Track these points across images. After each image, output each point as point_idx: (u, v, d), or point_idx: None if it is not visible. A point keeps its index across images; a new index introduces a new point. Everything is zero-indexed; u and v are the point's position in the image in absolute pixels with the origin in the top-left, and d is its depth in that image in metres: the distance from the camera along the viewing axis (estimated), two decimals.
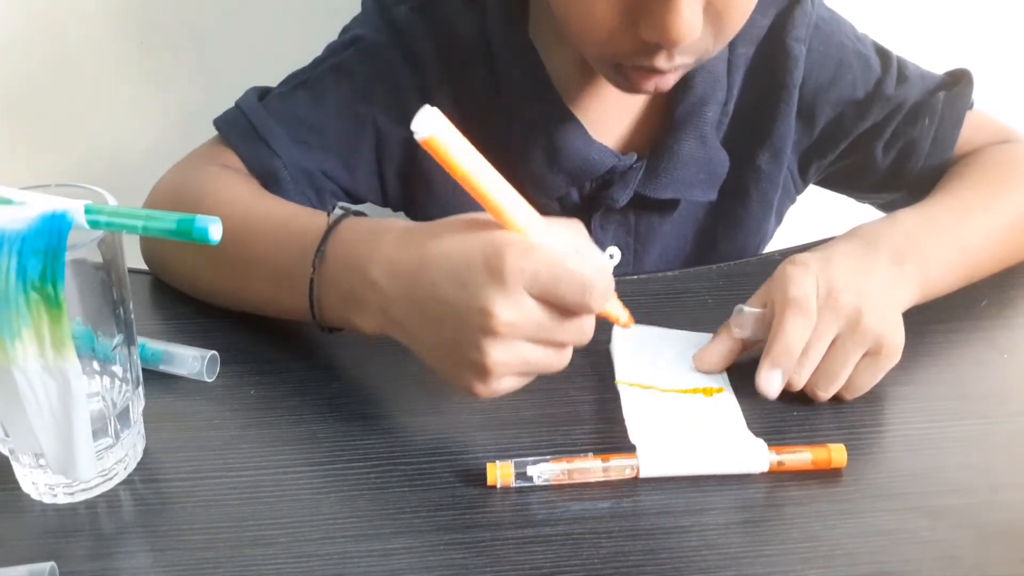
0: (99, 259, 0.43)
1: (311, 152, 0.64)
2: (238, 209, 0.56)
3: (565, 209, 0.67)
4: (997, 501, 0.45)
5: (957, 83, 0.68)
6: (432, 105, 0.45)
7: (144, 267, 0.63)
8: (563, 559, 0.41)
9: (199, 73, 0.95)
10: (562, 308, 0.44)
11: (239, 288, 0.56)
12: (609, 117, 0.67)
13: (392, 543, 0.42)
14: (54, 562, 0.41)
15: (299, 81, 0.66)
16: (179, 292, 0.61)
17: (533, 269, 0.43)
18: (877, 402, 0.51)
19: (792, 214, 0.76)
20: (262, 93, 0.67)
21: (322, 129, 0.64)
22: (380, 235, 0.48)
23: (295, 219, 0.54)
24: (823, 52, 0.66)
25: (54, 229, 0.40)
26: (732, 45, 0.65)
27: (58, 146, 0.98)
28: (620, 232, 0.69)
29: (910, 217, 0.59)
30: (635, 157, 0.65)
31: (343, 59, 0.65)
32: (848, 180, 0.73)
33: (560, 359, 0.46)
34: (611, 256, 0.69)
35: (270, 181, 0.63)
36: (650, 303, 0.60)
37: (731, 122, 0.67)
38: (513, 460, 0.45)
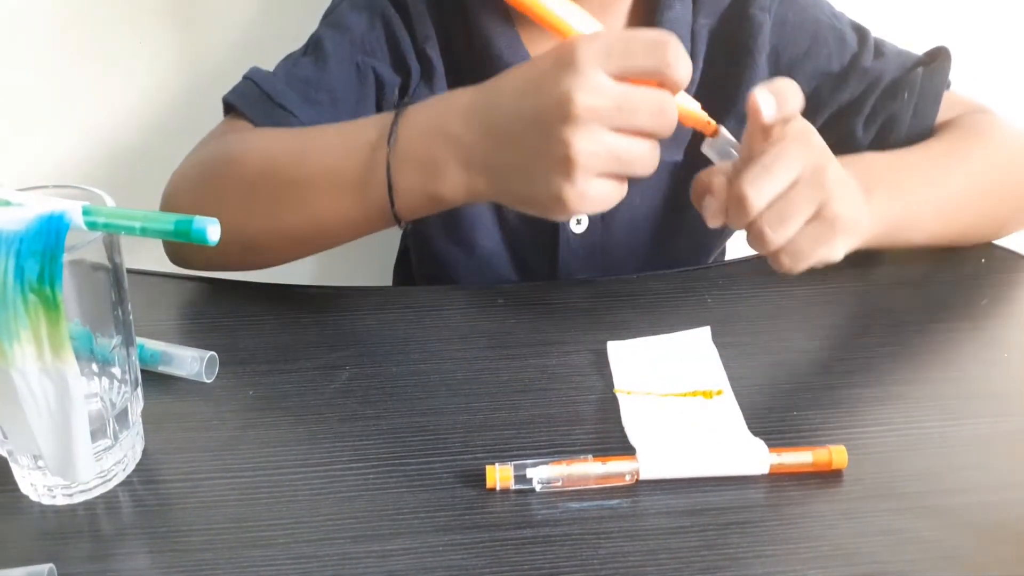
0: (97, 260, 0.43)
1: (324, 110, 0.65)
2: (281, 141, 0.59)
3: None
4: (999, 500, 0.45)
5: (934, 60, 0.68)
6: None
7: (141, 267, 0.62)
8: (562, 560, 0.41)
9: (198, 73, 0.95)
10: (640, 78, 0.45)
11: (295, 213, 0.56)
12: None
13: (390, 544, 0.42)
14: (52, 564, 0.41)
15: (301, 51, 0.68)
16: (178, 293, 0.61)
17: (604, 45, 0.44)
18: (878, 402, 0.51)
19: None
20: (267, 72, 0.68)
21: (330, 86, 0.65)
22: (451, 97, 0.51)
23: (350, 127, 0.56)
24: (797, 24, 0.67)
25: (52, 230, 0.40)
26: (696, 14, 0.67)
27: (54, 144, 0.98)
28: None
29: (877, 155, 0.60)
30: None
31: (336, 16, 0.68)
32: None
33: (647, 153, 0.46)
34: (578, 222, 0.69)
35: None
36: (650, 303, 0.60)
37: (698, 91, 0.68)
38: (512, 463, 0.45)
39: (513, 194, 0.49)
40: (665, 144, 0.65)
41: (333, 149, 0.55)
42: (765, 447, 0.46)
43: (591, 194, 0.46)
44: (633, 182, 0.67)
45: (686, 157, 0.68)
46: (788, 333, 0.57)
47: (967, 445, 0.48)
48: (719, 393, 0.51)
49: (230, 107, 0.66)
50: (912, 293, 0.61)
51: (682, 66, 0.45)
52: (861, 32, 0.69)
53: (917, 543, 0.42)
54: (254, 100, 0.65)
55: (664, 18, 0.65)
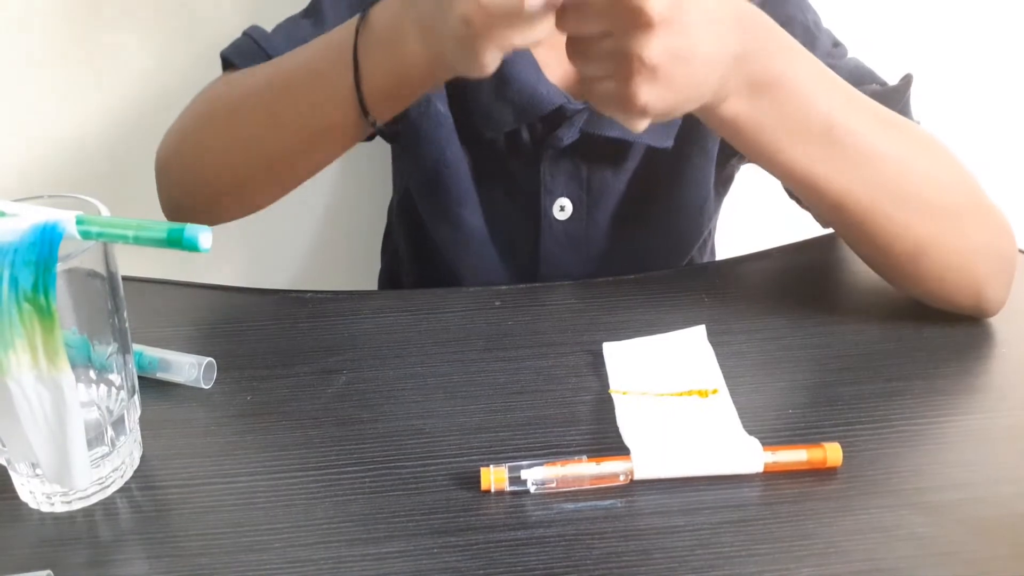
0: (93, 268, 0.44)
1: None
2: (260, 67, 0.62)
3: (515, 149, 0.68)
4: (995, 496, 0.45)
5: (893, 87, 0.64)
6: None
7: (137, 275, 0.63)
8: (556, 560, 0.42)
9: (196, 82, 0.95)
10: None
11: (275, 128, 0.58)
12: (564, 60, 0.67)
13: (386, 547, 0.42)
14: (51, 570, 0.41)
15: (300, 14, 0.70)
16: (176, 300, 0.61)
17: None
18: (873, 398, 0.51)
19: (786, 213, 0.75)
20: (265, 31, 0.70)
21: None
22: None
23: (323, 36, 0.58)
24: (770, 14, 0.65)
25: (45, 240, 0.40)
26: None
27: (48, 154, 0.99)
28: (571, 183, 0.69)
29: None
30: (585, 103, 0.65)
31: None
32: None
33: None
34: (562, 208, 0.69)
35: None
36: (647, 302, 0.60)
37: None
38: (507, 464, 0.45)
39: (449, 45, 0.48)
40: (654, 131, 0.65)
41: (304, 56, 0.58)
42: (759, 445, 0.46)
43: (498, 30, 0.45)
44: (620, 169, 0.68)
45: (676, 144, 0.67)
46: (783, 331, 0.57)
47: (962, 441, 0.48)
48: (714, 392, 0.51)
49: (228, 64, 0.68)
50: None
51: None
52: (837, 45, 0.67)
53: (912, 540, 0.42)
54: (249, 55, 0.66)
55: None
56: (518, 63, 0.64)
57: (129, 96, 0.97)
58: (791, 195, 0.67)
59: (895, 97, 0.62)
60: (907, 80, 0.63)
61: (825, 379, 0.53)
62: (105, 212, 0.44)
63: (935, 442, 0.48)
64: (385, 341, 0.57)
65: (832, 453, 0.46)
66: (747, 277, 0.62)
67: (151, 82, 0.96)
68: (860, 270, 0.63)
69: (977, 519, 0.43)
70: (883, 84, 0.65)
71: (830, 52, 0.66)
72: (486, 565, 0.41)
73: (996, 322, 0.58)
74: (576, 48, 0.48)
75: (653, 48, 0.44)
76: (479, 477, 0.45)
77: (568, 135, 0.65)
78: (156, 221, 0.41)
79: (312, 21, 0.68)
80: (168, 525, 0.44)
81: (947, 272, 0.55)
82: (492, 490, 0.45)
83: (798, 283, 0.61)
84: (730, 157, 0.71)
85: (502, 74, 0.64)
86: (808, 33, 0.66)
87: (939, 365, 0.54)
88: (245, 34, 0.68)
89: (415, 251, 0.79)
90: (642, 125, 0.48)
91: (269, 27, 0.70)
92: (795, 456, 0.46)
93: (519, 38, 0.46)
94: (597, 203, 0.69)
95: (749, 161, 0.63)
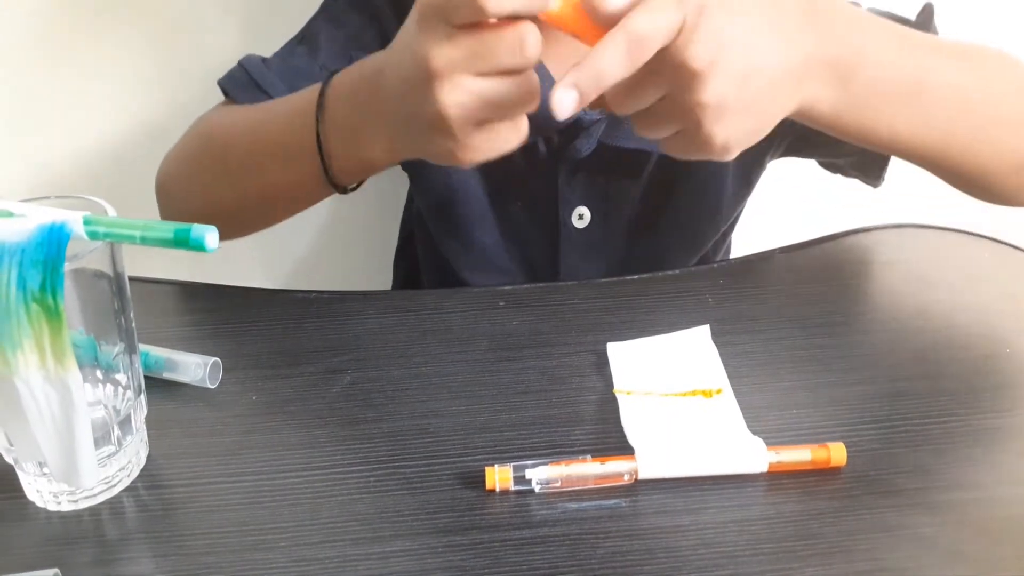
0: (100, 269, 0.44)
1: None
2: (244, 115, 0.63)
3: (532, 162, 0.68)
4: (1000, 496, 0.45)
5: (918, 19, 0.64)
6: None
7: (144, 275, 0.63)
8: (561, 560, 0.42)
9: (200, 83, 0.96)
10: (484, 23, 0.43)
11: (253, 180, 0.60)
12: None
13: (391, 546, 0.43)
14: (58, 569, 0.41)
15: (297, 39, 0.70)
16: (182, 300, 0.61)
17: None
18: (878, 398, 0.51)
19: (791, 213, 0.75)
20: (264, 60, 0.70)
21: (319, 77, 0.66)
22: (365, 62, 0.53)
23: (294, 99, 0.59)
24: None
25: (53, 241, 0.40)
26: None
27: (55, 155, 0.99)
28: (590, 192, 0.69)
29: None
30: (602, 111, 0.65)
31: (334, 10, 0.69)
32: (811, 138, 0.69)
33: (521, 88, 0.44)
34: (580, 216, 0.69)
35: None
36: (651, 302, 0.60)
37: None
38: (512, 464, 0.46)
39: (423, 152, 0.49)
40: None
41: (279, 120, 0.59)
42: (763, 445, 0.46)
43: (478, 144, 0.46)
44: (637, 174, 0.68)
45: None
46: (787, 331, 0.57)
47: (967, 441, 0.48)
48: (719, 392, 0.51)
49: (225, 92, 0.69)
50: (913, 288, 0.61)
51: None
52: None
53: (916, 540, 0.42)
54: (243, 86, 0.67)
55: None
56: None
57: (134, 98, 0.97)
58: (828, 168, 0.69)
59: (925, 29, 0.62)
60: (929, 11, 0.63)
61: (829, 379, 0.53)
62: (112, 213, 0.44)
63: (940, 442, 0.48)
64: (390, 341, 0.57)
65: (836, 453, 0.46)
66: (751, 277, 0.62)
67: (156, 84, 0.97)
68: (862, 270, 0.63)
69: (982, 519, 0.43)
70: (906, 21, 0.64)
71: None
72: (491, 564, 0.42)
73: (1001, 322, 0.58)
74: (642, 123, 0.47)
75: (710, 92, 0.43)
76: (484, 476, 0.45)
77: (586, 146, 0.65)
78: (163, 221, 0.41)
79: (307, 50, 0.68)
80: (174, 524, 0.45)
81: None
82: (497, 489, 0.45)
83: (802, 284, 0.61)
84: (759, 156, 0.71)
85: None
86: None
87: (944, 365, 0.54)
88: (240, 64, 0.69)
89: (434, 266, 0.79)
90: (733, 155, 0.47)
91: (274, 33, 0.70)
92: (799, 456, 0.46)
93: (502, 142, 0.47)
94: (615, 209, 0.70)
95: (793, 155, 0.64)
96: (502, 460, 0.46)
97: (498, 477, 0.45)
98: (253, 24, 0.94)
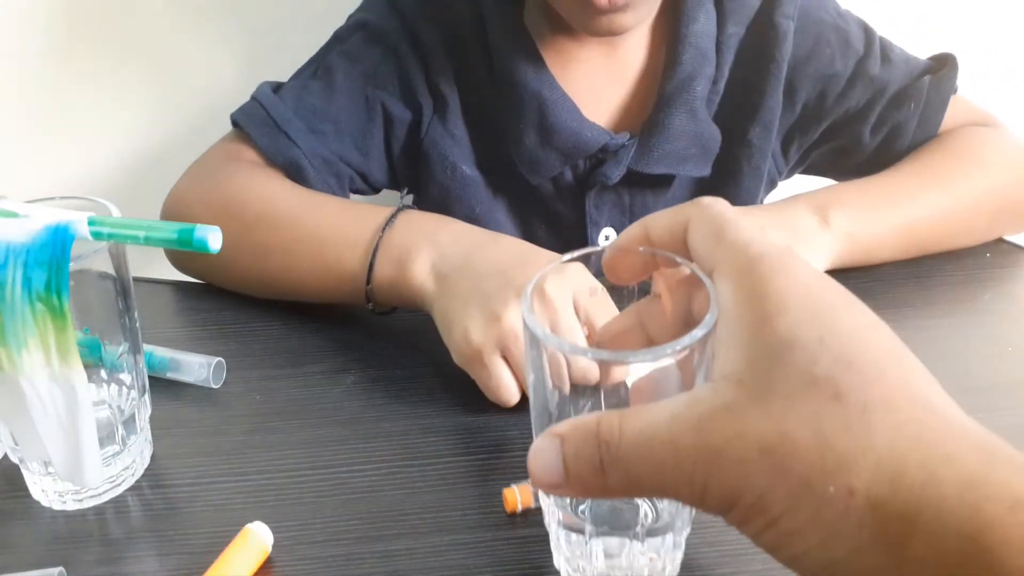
0: (104, 269, 0.44)
1: (328, 140, 0.66)
2: (285, 196, 0.62)
3: (559, 189, 0.68)
4: None
5: (942, 67, 0.68)
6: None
7: (148, 276, 0.63)
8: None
9: (204, 84, 0.96)
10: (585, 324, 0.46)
11: (279, 266, 0.59)
12: (601, 97, 0.68)
13: (394, 544, 0.43)
14: (63, 567, 0.41)
15: (311, 71, 0.68)
16: (186, 300, 0.62)
17: (590, 285, 0.46)
18: None
19: None
20: (276, 87, 0.69)
21: (336, 116, 0.67)
22: (449, 219, 0.57)
23: (351, 206, 0.60)
24: (801, 27, 0.67)
25: (58, 241, 0.40)
26: (722, 25, 0.67)
27: (60, 156, 1.00)
28: (615, 212, 0.69)
29: (844, 184, 0.63)
30: (627, 136, 0.66)
31: (350, 45, 0.68)
32: (835, 163, 0.73)
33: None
34: (607, 238, 0.70)
35: (293, 171, 0.65)
36: None
37: (723, 100, 0.68)
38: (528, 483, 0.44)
39: (444, 310, 0.52)
40: (694, 162, 0.66)
41: (326, 231, 0.58)
42: None
43: (487, 363, 0.49)
44: (659, 197, 0.68)
45: (713, 172, 0.68)
46: None
47: None
48: None
49: (236, 125, 0.67)
50: (916, 288, 0.61)
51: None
52: (868, 33, 0.69)
53: None
54: (259, 123, 0.66)
55: (689, 31, 0.65)
56: (559, 112, 0.65)
57: (139, 101, 0.98)
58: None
59: (947, 86, 0.68)
60: (953, 64, 0.68)
61: None
62: (116, 213, 0.44)
63: None
64: (392, 341, 0.57)
65: None
66: None
67: (161, 88, 0.97)
68: (863, 270, 0.63)
69: None
70: (930, 69, 0.69)
71: (874, 58, 0.68)
72: (493, 563, 0.42)
73: (1001, 321, 0.58)
74: None
75: None
76: (486, 476, 0.46)
77: (616, 173, 0.66)
78: (166, 222, 0.41)
79: (323, 86, 0.67)
80: (178, 523, 0.45)
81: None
82: (519, 510, 0.44)
83: None
84: (781, 172, 0.74)
85: (546, 125, 0.65)
86: (846, 44, 0.68)
87: (945, 363, 0.54)
88: (254, 99, 0.67)
89: None
90: None
91: (277, 41, 0.70)
92: None
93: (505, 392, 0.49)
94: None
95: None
96: (505, 460, 0.46)
97: (519, 497, 0.44)
98: (260, 32, 0.95)
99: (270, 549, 0.42)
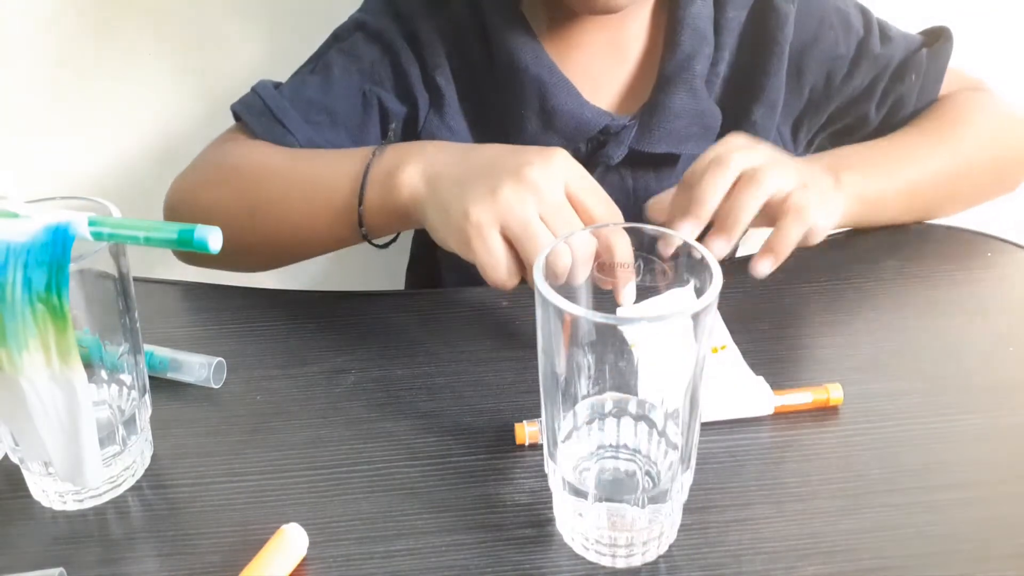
0: (105, 269, 0.44)
1: (323, 130, 0.67)
2: (275, 156, 0.64)
3: None
4: (1002, 495, 0.45)
5: (937, 39, 0.72)
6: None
7: (148, 276, 0.63)
8: (564, 559, 0.42)
9: (205, 85, 0.96)
10: (579, 211, 0.51)
11: (278, 222, 0.61)
12: (601, 80, 0.69)
13: (395, 545, 0.43)
14: (63, 568, 0.41)
15: (309, 67, 0.70)
16: (186, 300, 0.62)
17: (580, 171, 0.52)
18: (880, 397, 0.51)
19: None
20: (276, 84, 0.70)
21: (332, 110, 0.67)
22: (435, 141, 0.61)
23: (338, 152, 0.62)
24: (805, 11, 0.69)
25: (58, 241, 0.40)
26: (723, 8, 0.68)
27: (61, 156, 1.00)
28: (618, 195, 0.69)
29: (852, 147, 0.67)
30: (628, 117, 0.67)
31: (349, 43, 0.69)
32: (840, 141, 0.74)
33: (540, 248, 0.48)
34: None
35: None
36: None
37: (727, 82, 0.69)
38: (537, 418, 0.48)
39: (438, 202, 0.53)
40: (696, 141, 0.67)
41: (319, 169, 0.60)
42: (769, 388, 0.49)
43: (485, 237, 0.50)
44: (664, 176, 0.69)
45: None
46: (791, 329, 0.57)
47: (972, 438, 0.48)
48: (723, 348, 0.53)
49: (237, 115, 0.68)
50: (917, 287, 0.61)
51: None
52: (865, 13, 0.71)
53: (919, 538, 0.42)
54: (257, 113, 0.67)
55: (686, 13, 0.66)
56: (560, 95, 0.66)
57: (142, 102, 0.98)
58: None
59: (943, 57, 0.72)
60: (948, 36, 0.72)
61: (833, 378, 0.52)
62: (116, 213, 0.44)
63: (942, 440, 0.48)
64: (393, 341, 0.57)
65: (834, 392, 0.50)
66: (749, 278, 0.62)
67: (165, 90, 0.97)
68: (864, 270, 0.63)
69: (984, 518, 0.43)
70: (926, 43, 0.72)
71: (874, 37, 0.71)
72: (494, 563, 0.42)
73: (1003, 320, 0.58)
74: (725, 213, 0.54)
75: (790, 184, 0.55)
76: (486, 476, 0.46)
77: (618, 153, 0.67)
78: (167, 222, 0.41)
79: (320, 80, 0.68)
80: (179, 523, 0.45)
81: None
82: (527, 443, 0.48)
83: (803, 283, 0.62)
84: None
85: (547, 109, 0.66)
86: (847, 26, 0.70)
87: (947, 363, 0.54)
88: (254, 91, 0.68)
89: (455, 264, 0.79)
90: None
91: (279, 42, 0.70)
92: (801, 398, 0.49)
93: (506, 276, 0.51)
94: (643, 211, 0.70)
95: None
96: (506, 459, 0.46)
97: (528, 432, 0.48)
98: (266, 34, 0.95)
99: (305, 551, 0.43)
